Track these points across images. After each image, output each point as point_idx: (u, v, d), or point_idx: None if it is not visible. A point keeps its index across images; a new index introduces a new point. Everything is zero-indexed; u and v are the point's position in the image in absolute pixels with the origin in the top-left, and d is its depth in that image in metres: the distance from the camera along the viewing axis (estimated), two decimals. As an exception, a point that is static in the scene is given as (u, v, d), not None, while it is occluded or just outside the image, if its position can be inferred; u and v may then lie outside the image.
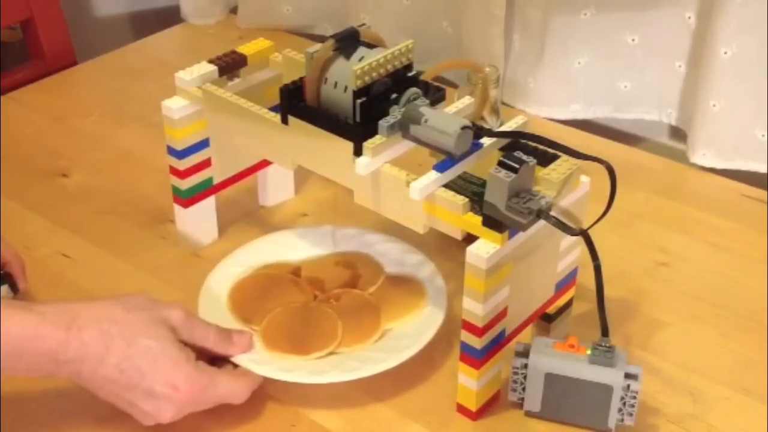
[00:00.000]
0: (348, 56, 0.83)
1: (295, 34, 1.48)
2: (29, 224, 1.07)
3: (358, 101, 0.80)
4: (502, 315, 0.79)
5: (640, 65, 1.25)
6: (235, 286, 0.93)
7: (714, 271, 1.02)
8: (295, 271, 0.95)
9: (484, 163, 0.81)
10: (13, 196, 1.10)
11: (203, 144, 0.97)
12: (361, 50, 0.83)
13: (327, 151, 0.84)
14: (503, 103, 1.30)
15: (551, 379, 0.79)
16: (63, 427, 0.83)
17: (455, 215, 0.77)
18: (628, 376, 0.78)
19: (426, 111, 0.79)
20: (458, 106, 0.87)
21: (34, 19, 1.40)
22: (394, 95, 0.82)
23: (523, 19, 1.28)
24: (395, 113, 0.80)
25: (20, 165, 1.17)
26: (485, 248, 0.75)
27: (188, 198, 0.99)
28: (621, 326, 0.92)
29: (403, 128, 0.80)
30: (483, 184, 0.76)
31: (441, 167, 0.79)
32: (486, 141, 0.82)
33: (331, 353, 0.85)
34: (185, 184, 0.98)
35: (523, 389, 0.81)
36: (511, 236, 0.76)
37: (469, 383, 0.81)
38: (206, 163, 0.99)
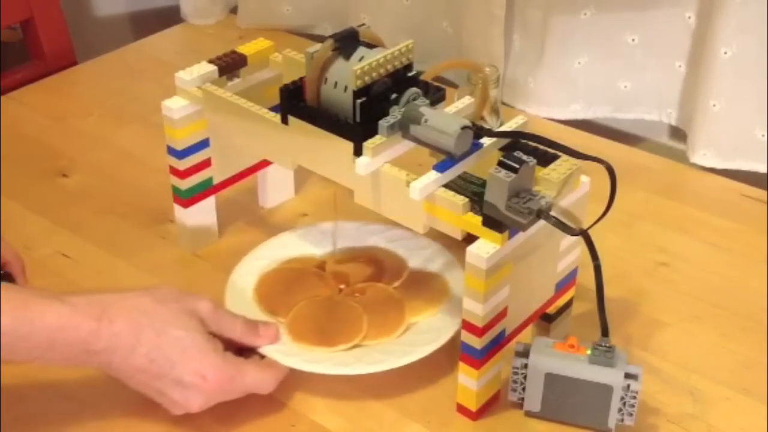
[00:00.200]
0: (348, 56, 0.83)
1: (295, 34, 1.48)
2: (29, 224, 1.07)
3: (358, 101, 0.80)
4: (502, 315, 0.79)
5: (640, 65, 1.25)
6: (261, 279, 0.94)
7: (714, 271, 1.02)
8: (320, 265, 0.96)
9: (484, 163, 0.81)
10: (13, 196, 1.10)
11: (203, 144, 0.97)
12: (361, 50, 0.83)
13: (327, 151, 0.84)
14: (503, 103, 1.30)
15: (551, 379, 0.79)
16: (63, 427, 0.83)
17: (455, 215, 0.77)
18: (628, 376, 0.78)
19: (426, 111, 0.79)
20: (458, 106, 0.87)
21: (34, 19, 1.40)
22: (394, 95, 0.82)
23: (523, 19, 1.28)
24: (395, 113, 0.80)
25: (20, 165, 1.17)
26: (485, 248, 0.75)
27: (188, 198, 0.99)
28: (621, 326, 0.92)
29: (403, 128, 0.80)
30: (483, 184, 0.76)
31: (441, 167, 0.79)
32: (486, 141, 0.82)
33: (356, 346, 0.87)
34: (185, 184, 0.98)
35: (523, 389, 0.81)
36: (511, 236, 0.76)
37: (469, 383, 0.81)
38: (206, 163, 0.99)
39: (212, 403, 0.80)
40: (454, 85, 1.13)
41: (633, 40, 1.24)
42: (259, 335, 0.85)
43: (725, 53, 1.13)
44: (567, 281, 0.87)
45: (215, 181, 1.01)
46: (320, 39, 0.85)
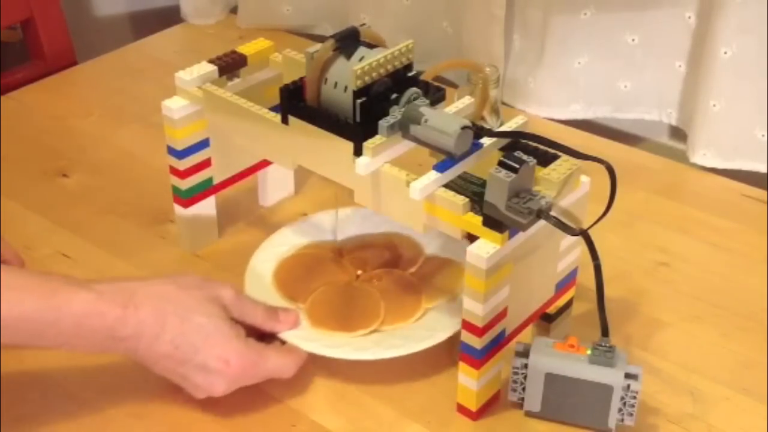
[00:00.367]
0: (348, 56, 0.83)
1: (295, 34, 1.48)
2: (29, 224, 1.07)
3: (358, 101, 0.80)
4: (502, 315, 0.79)
5: (640, 65, 1.25)
6: (279, 265, 0.95)
7: (714, 271, 1.02)
8: (337, 251, 0.97)
9: (484, 163, 0.81)
10: (13, 196, 1.10)
11: (203, 144, 0.97)
12: (361, 50, 0.83)
13: (327, 151, 0.84)
14: (503, 103, 1.30)
15: (551, 379, 0.79)
16: (63, 427, 0.83)
17: (455, 215, 0.77)
18: (628, 376, 0.78)
19: (426, 111, 0.79)
20: (458, 106, 0.87)
21: (34, 19, 1.40)
22: (394, 95, 0.82)
23: (523, 19, 1.28)
24: (395, 113, 0.80)
25: (20, 165, 1.17)
26: (485, 248, 0.75)
27: (188, 198, 0.99)
28: (621, 326, 0.92)
29: (403, 128, 0.80)
30: (483, 184, 0.76)
31: (441, 167, 0.79)
32: (486, 141, 0.82)
33: (374, 331, 0.88)
34: (185, 184, 0.98)
35: (523, 389, 0.81)
36: (511, 236, 0.76)
37: (469, 383, 0.81)
38: (206, 163, 0.99)
39: (234, 388, 0.82)
40: (454, 85, 1.13)
41: (633, 40, 1.24)
42: (280, 321, 0.87)
43: (725, 53, 1.13)
44: (567, 281, 0.87)
45: (215, 181, 1.01)
46: (320, 39, 0.85)
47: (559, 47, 1.26)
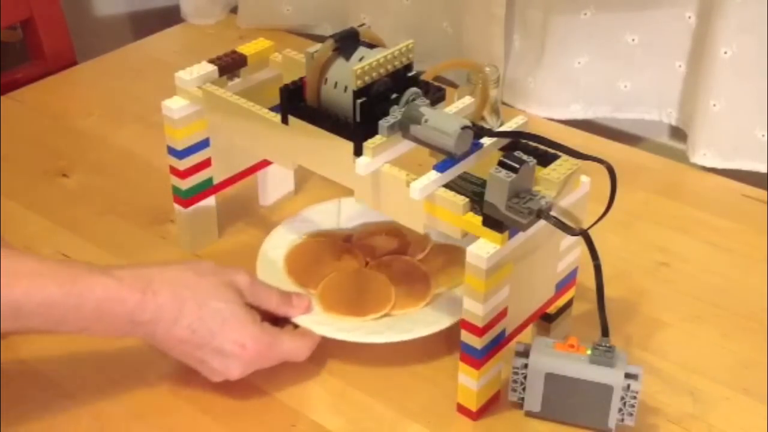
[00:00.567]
0: (348, 56, 0.83)
1: (295, 34, 1.48)
2: (29, 224, 1.07)
3: (358, 101, 0.80)
4: (502, 315, 0.79)
5: (640, 65, 1.25)
6: (290, 252, 0.97)
7: (714, 271, 1.02)
8: (347, 238, 0.99)
9: (484, 163, 0.81)
10: (13, 196, 1.10)
11: (203, 144, 0.97)
12: (361, 50, 0.83)
13: (327, 151, 0.84)
14: (503, 103, 1.30)
15: (551, 379, 0.79)
16: (63, 427, 0.83)
17: (455, 215, 0.77)
18: (628, 376, 0.78)
19: (426, 111, 0.79)
20: (458, 106, 0.87)
21: (34, 19, 1.41)
22: (394, 95, 0.82)
23: (523, 19, 1.28)
24: (395, 113, 0.80)
25: (20, 165, 1.17)
26: (485, 248, 0.75)
27: (188, 198, 0.99)
28: (621, 326, 0.92)
29: (403, 128, 0.80)
30: (483, 184, 0.76)
31: (441, 167, 0.79)
32: (486, 141, 0.82)
33: (385, 315, 0.90)
34: (185, 184, 0.98)
35: (524, 389, 0.81)
36: (511, 236, 0.76)
37: (469, 383, 0.81)
38: (206, 163, 0.99)
39: (250, 371, 0.83)
40: (454, 85, 1.13)
41: (633, 40, 1.24)
42: (293, 306, 0.88)
43: (725, 53, 1.13)
44: (567, 281, 0.87)
45: (215, 181, 1.01)
46: (320, 39, 0.85)
47: (559, 47, 1.26)
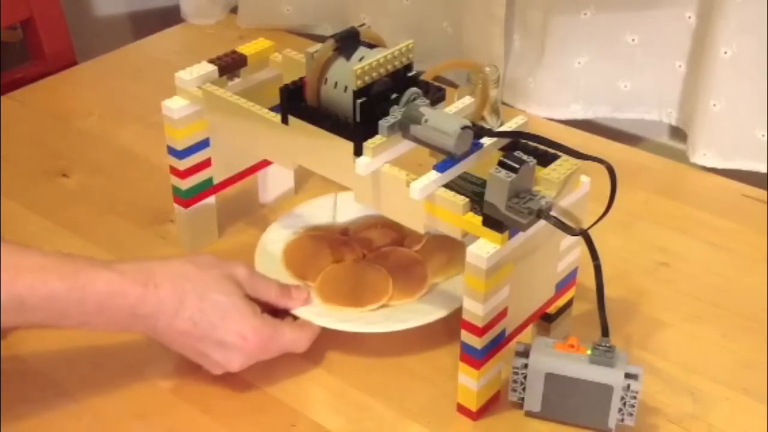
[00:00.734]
0: (348, 56, 0.83)
1: (295, 34, 1.48)
2: (29, 224, 1.07)
3: (358, 101, 0.80)
4: (502, 315, 0.79)
5: (640, 65, 1.25)
6: (288, 246, 0.97)
7: (714, 271, 1.02)
8: (344, 231, 1.00)
9: (484, 163, 0.81)
10: (13, 196, 1.10)
11: (203, 144, 0.97)
12: (361, 50, 0.83)
13: (327, 151, 0.84)
14: (503, 103, 1.30)
15: (551, 379, 0.79)
16: (63, 426, 0.83)
17: (455, 215, 0.77)
18: (628, 376, 0.78)
19: (426, 111, 0.79)
20: (458, 106, 0.87)
21: (34, 19, 1.40)
22: (394, 95, 0.82)
23: (523, 19, 1.28)
24: (395, 113, 0.80)
25: (20, 165, 1.17)
26: (485, 248, 0.75)
27: (188, 198, 0.99)
28: (621, 326, 0.92)
29: (403, 128, 0.80)
30: (483, 184, 0.76)
31: (441, 167, 0.79)
32: (486, 141, 0.82)
33: (383, 306, 0.90)
34: (185, 184, 0.98)
35: (524, 389, 0.81)
36: (511, 236, 0.76)
37: (469, 383, 0.81)
38: (206, 163, 0.99)
39: (251, 363, 0.84)
40: (454, 85, 1.13)
41: (633, 40, 1.24)
42: (292, 298, 0.89)
43: (725, 53, 1.13)
44: (567, 281, 0.87)
45: (215, 181, 1.01)
46: (320, 39, 0.85)
47: (559, 47, 1.26)
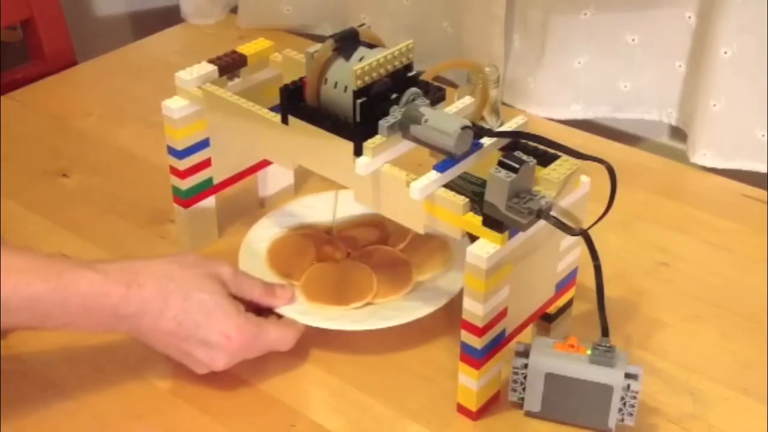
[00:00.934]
0: (348, 56, 0.83)
1: (295, 34, 1.48)
2: (29, 224, 1.07)
3: (358, 101, 0.80)
4: (502, 315, 0.79)
5: (640, 65, 1.25)
6: (273, 245, 0.98)
7: (714, 271, 1.02)
8: (328, 230, 1.00)
9: (484, 163, 0.81)
10: (13, 196, 1.10)
11: (203, 144, 0.97)
12: (361, 50, 0.83)
13: (327, 151, 0.84)
14: (503, 103, 1.30)
15: (551, 379, 0.79)
16: (62, 426, 0.83)
17: (455, 215, 0.77)
18: (628, 376, 0.78)
19: (426, 111, 0.79)
20: (458, 106, 0.87)
21: (34, 19, 1.40)
22: (394, 95, 0.82)
23: (523, 19, 1.28)
24: (395, 113, 0.80)
25: (20, 165, 1.17)
26: (485, 248, 0.75)
27: (188, 198, 0.99)
28: (621, 326, 0.92)
29: (403, 128, 0.80)
30: (483, 184, 0.76)
31: (441, 167, 0.79)
32: (486, 141, 0.82)
33: (367, 304, 0.91)
34: (185, 184, 0.98)
35: (523, 389, 0.81)
36: (511, 236, 0.76)
37: (469, 383, 0.81)
38: (206, 163, 0.99)
39: (235, 362, 0.84)
40: (454, 85, 1.13)
41: (633, 40, 1.24)
42: (277, 296, 0.89)
43: (725, 53, 1.13)
44: (567, 281, 0.87)
45: (215, 181, 1.01)
46: (320, 39, 0.85)
47: (559, 47, 1.26)
